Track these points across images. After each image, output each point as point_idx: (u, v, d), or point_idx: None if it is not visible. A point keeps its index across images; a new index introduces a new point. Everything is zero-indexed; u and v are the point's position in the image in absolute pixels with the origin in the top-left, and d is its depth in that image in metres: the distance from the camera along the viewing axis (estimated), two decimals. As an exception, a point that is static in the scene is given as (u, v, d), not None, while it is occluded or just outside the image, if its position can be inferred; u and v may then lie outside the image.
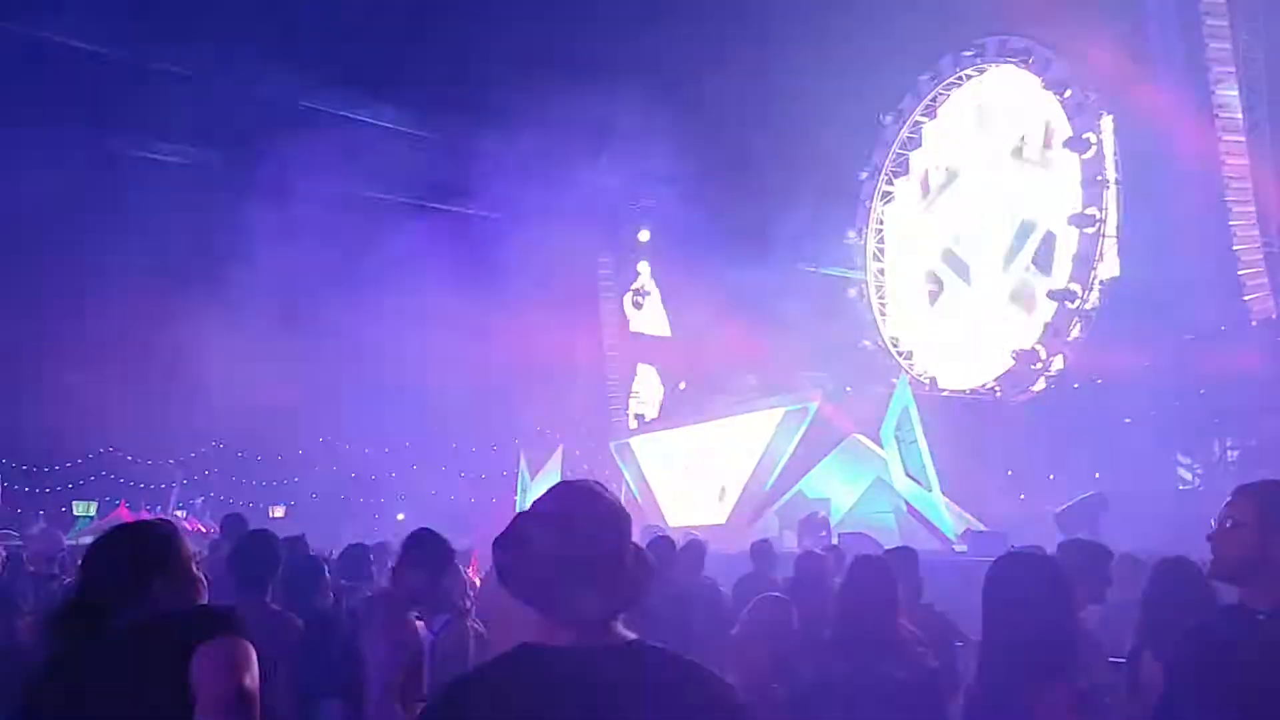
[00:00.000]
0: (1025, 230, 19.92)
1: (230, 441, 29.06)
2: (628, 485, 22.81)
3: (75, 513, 27.69)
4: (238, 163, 22.92)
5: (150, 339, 22.39)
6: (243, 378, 24.41)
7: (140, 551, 2.63)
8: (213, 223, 21.48)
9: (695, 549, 7.29)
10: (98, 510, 27.61)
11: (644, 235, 28.36)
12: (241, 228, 21.35)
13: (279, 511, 28.35)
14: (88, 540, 4.69)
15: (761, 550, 7.73)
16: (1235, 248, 15.64)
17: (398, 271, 23.24)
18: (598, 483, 2.01)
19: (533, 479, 22.39)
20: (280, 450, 29.35)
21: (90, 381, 22.97)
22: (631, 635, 1.89)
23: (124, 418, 24.64)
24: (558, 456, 22.48)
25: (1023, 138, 20.32)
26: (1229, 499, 2.88)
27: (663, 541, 7.19)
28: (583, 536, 1.85)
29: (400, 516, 28.87)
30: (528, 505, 2.02)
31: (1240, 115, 15.74)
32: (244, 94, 22.02)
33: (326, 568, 6.19)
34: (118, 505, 26.52)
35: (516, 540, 1.90)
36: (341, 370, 23.97)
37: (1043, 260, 19.47)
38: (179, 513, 27.57)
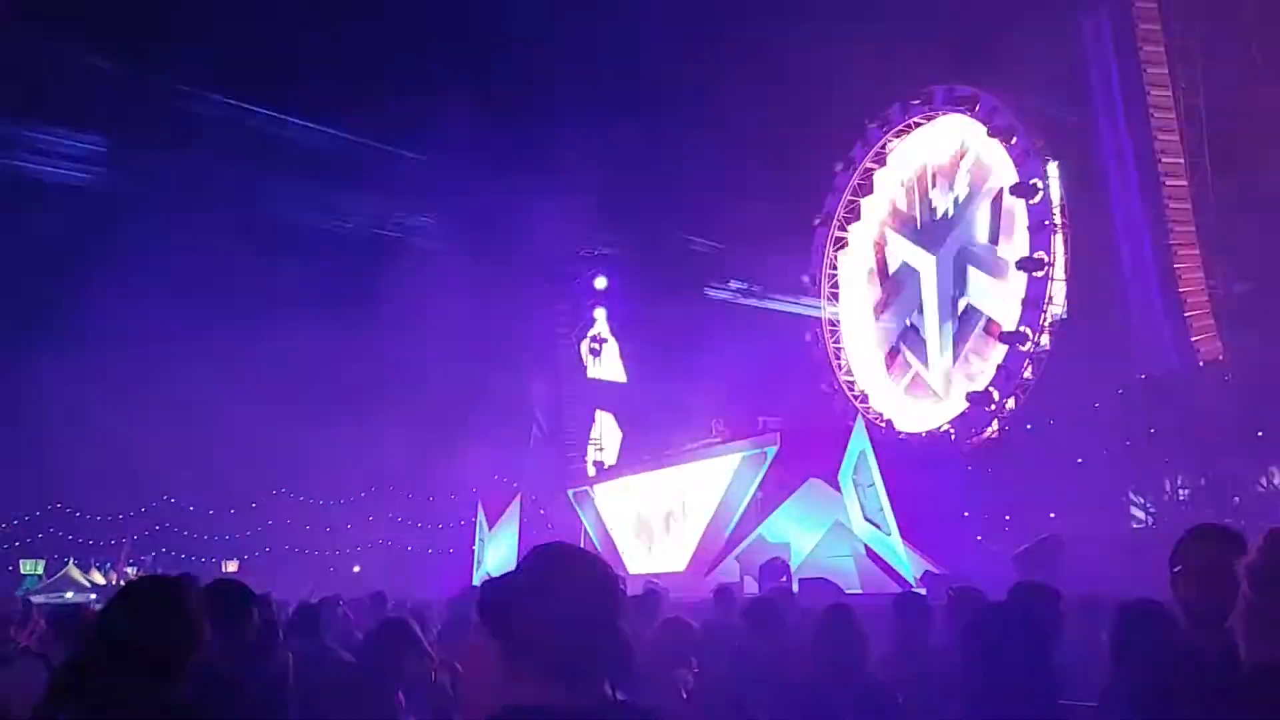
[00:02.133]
0: (971, 315, 20.42)
1: (181, 495, 28.60)
2: (587, 533, 22.64)
3: (23, 571, 27.08)
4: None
5: (96, 393, 22.01)
6: (193, 431, 24.09)
7: (187, 613, 2.44)
8: (151, 264, 21.13)
9: (651, 600, 7.19)
10: (45, 569, 27.01)
11: (600, 282, 28.40)
12: (186, 270, 21.13)
13: (232, 566, 27.86)
14: (38, 600, 4.58)
15: (723, 595, 7.68)
16: (1181, 290, 15.92)
17: (348, 317, 23.13)
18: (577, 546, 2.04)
19: (491, 527, 22.12)
20: (233, 504, 28.92)
21: (35, 438, 22.58)
22: (620, 695, 1.88)
23: (72, 473, 24.17)
24: (515, 505, 22.26)
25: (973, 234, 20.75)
26: (1189, 541, 2.90)
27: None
28: (589, 601, 1.86)
29: (356, 569, 28.51)
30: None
31: (1182, 160, 16.08)
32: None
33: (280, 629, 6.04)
34: (67, 564, 25.99)
35: (519, 604, 1.88)
36: (293, 423, 23.63)
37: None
38: (130, 569, 27.03)
